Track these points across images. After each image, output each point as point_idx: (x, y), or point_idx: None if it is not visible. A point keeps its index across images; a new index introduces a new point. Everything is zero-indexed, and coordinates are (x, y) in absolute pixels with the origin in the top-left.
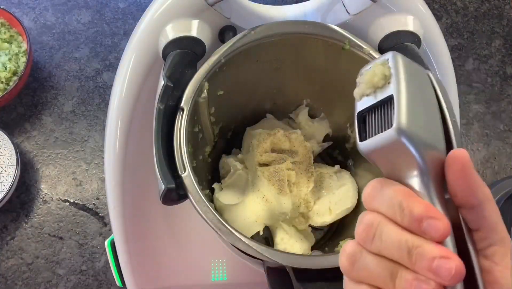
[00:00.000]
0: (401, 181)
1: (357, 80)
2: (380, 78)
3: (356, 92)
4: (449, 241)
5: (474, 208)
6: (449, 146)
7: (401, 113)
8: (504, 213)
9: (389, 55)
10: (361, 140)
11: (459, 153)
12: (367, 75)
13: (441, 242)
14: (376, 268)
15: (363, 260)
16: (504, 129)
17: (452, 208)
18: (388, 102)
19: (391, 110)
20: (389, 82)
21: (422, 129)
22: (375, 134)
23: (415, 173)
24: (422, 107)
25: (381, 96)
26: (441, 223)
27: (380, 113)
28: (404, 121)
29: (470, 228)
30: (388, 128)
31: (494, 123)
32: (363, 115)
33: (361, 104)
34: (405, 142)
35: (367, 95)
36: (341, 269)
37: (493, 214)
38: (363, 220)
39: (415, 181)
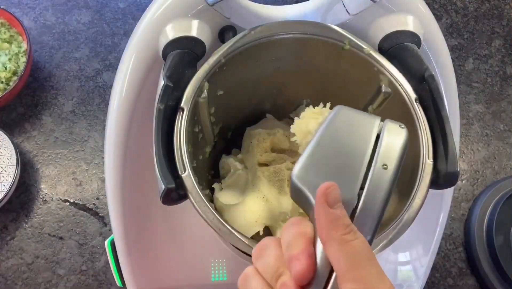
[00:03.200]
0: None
1: None
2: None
3: None
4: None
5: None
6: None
7: (297, 163)
8: (504, 213)
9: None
10: None
11: (323, 185)
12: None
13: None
14: None
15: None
16: (504, 129)
17: None
18: None
19: None
20: None
21: (319, 172)
22: None
23: (309, 207)
24: (327, 160)
25: None
26: (299, 262)
27: None
28: (296, 169)
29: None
30: None
31: (494, 123)
32: None
33: None
34: (294, 184)
35: None
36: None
37: (332, 254)
38: (260, 242)
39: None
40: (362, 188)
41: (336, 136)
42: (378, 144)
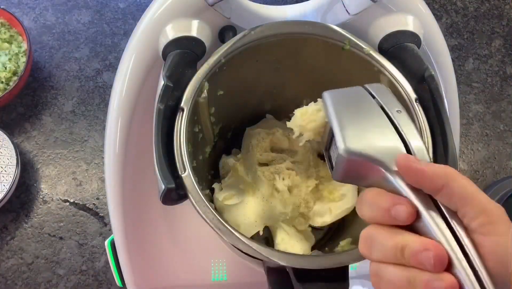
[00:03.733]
0: (376, 186)
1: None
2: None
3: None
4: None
5: (442, 191)
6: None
7: (338, 137)
8: None
9: (323, 94)
10: (331, 171)
11: (399, 157)
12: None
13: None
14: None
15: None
16: (504, 129)
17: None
18: (332, 132)
19: (335, 138)
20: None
21: (365, 136)
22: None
23: (378, 173)
24: (359, 116)
25: (328, 130)
26: (405, 205)
27: (333, 144)
28: (342, 141)
29: (452, 212)
30: (337, 153)
31: (494, 123)
32: (327, 152)
33: (322, 143)
34: (352, 157)
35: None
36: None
37: (462, 189)
38: (361, 235)
39: (382, 180)
40: (399, 134)
41: (346, 108)
42: (378, 100)
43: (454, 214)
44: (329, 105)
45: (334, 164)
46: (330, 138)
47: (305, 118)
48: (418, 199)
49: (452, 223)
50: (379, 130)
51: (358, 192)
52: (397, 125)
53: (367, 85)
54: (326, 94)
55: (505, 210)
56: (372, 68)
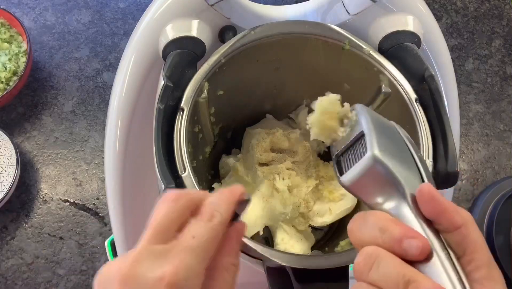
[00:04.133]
0: (383, 209)
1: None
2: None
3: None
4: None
5: (458, 230)
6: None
7: (372, 142)
8: (504, 213)
9: (356, 106)
10: (341, 175)
11: (424, 185)
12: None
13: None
14: None
15: None
16: (504, 129)
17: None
18: (358, 140)
19: (362, 144)
20: (357, 124)
21: (393, 155)
22: (351, 167)
23: (393, 195)
24: (390, 140)
25: (352, 136)
26: (420, 240)
27: (353, 150)
28: (376, 147)
29: (457, 254)
30: (362, 157)
31: (494, 123)
32: (338, 157)
33: (335, 149)
34: (378, 164)
35: (339, 139)
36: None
37: (475, 235)
38: (361, 252)
39: (394, 205)
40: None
41: (378, 126)
42: (402, 135)
43: (458, 259)
44: (364, 113)
45: (348, 168)
46: (352, 143)
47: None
48: (433, 235)
49: (458, 268)
50: (404, 159)
51: None
52: (418, 164)
53: (392, 122)
54: (361, 106)
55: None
56: (372, 68)
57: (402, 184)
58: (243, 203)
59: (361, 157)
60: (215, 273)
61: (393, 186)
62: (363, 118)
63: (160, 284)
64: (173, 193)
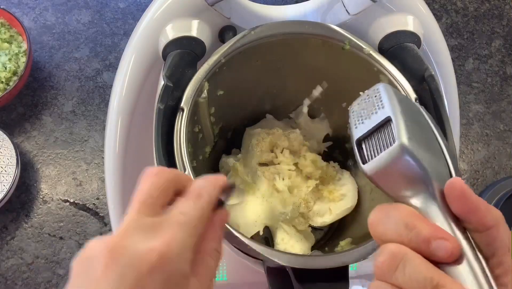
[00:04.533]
0: (407, 202)
1: (350, 111)
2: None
3: (351, 120)
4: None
5: (489, 230)
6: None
7: (401, 130)
8: (504, 213)
9: (379, 85)
10: (363, 163)
11: (455, 180)
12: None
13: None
14: None
15: None
16: (504, 129)
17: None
18: (384, 125)
19: (389, 131)
20: (381, 107)
21: (422, 144)
22: (376, 155)
23: (420, 189)
24: (418, 126)
25: (376, 120)
26: (450, 242)
27: (378, 136)
28: (405, 136)
29: (485, 256)
30: (389, 146)
31: (494, 123)
32: (360, 142)
33: (358, 132)
34: (407, 156)
35: (362, 123)
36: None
37: (505, 236)
38: (385, 250)
39: (421, 200)
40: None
41: (406, 111)
42: (431, 124)
43: (486, 260)
44: (391, 96)
45: (371, 155)
46: (376, 128)
47: None
48: (462, 236)
49: (487, 272)
50: (432, 148)
51: (359, 192)
52: (445, 154)
53: (417, 103)
54: (384, 86)
55: (507, 214)
56: (372, 68)
57: (432, 177)
58: (227, 190)
59: (387, 145)
60: (198, 258)
61: (420, 179)
62: (389, 102)
63: (151, 255)
64: (154, 167)
